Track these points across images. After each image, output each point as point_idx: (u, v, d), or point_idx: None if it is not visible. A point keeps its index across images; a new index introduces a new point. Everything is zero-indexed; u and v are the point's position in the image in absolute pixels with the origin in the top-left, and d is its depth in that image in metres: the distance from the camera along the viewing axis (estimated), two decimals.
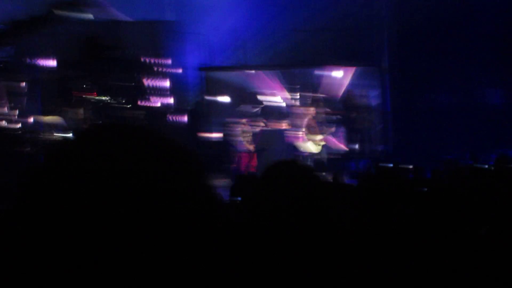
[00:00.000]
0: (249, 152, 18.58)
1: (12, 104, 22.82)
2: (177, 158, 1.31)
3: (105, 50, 14.29)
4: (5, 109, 22.90)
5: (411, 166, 12.87)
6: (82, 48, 14.77)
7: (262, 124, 19.65)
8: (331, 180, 10.96)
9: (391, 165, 13.12)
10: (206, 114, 24.70)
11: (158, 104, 23.91)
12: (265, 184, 2.65)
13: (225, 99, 24.28)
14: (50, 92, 22.34)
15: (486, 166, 12.82)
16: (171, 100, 24.31)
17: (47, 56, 21.82)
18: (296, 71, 23.89)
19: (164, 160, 1.28)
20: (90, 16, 15.57)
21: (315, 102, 21.97)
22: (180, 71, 24.76)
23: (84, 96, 23.34)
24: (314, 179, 2.66)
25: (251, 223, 2.62)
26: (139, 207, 1.21)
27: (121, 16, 26.10)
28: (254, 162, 18.38)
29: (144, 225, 1.22)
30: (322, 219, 2.61)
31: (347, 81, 24.31)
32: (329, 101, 24.09)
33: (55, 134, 19.35)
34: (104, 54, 14.34)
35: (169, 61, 24.37)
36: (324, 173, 17.94)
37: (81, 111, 22.09)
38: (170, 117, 23.75)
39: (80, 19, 15.68)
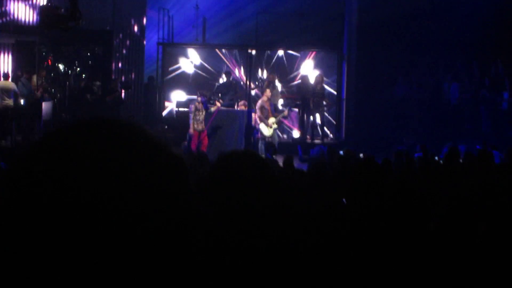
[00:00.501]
0: (201, 131, 18.52)
1: None
2: (155, 154, 1.29)
3: (61, 20, 14.07)
4: None
5: (361, 155, 12.95)
6: (38, 15, 14.60)
7: (218, 104, 19.58)
8: (281, 164, 10.98)
9: (341, 152, 13.19)
10: (161, 89, 24.63)
11: (113, 76, 23.77)
12: (216, 176, 2.64)
13: (181, 75, 24.23)
14: (5, 57, 22.10)
15: (436, 158, 12.97)
16: (127, 73, 24.22)
17: (5, 20, 21.58)
18: (255, 52, 23.84)
19: (141, 155, 1.26)
20: None
21: (270, 84, 21.96)
22: (139, 44, 24.67)
23: (40, 63, 23.15)
24: (267, 172, 2.65)
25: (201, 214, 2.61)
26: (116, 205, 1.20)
27: None
28: (205, 141, 18.34)
29: (127, 223, 1.20)
30: (273, 213, 2.60)
31: (305, 65, 24.38)
32: (285, 84, 24.15)
33: (6, 100, 19.10)
34: (59, 23, 14.13)
35: (129, 34, 24.26)
36: (274, 156, 17.98)
37: (35, 77, 21.85)
38: (124, 90, 23.63)
39: None
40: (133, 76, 24.23)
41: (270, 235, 2.57)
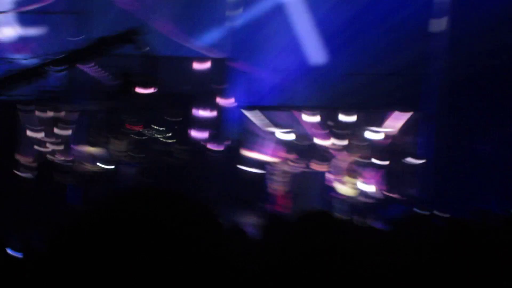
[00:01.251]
0: (285, 192, 18.59)
1: (59, 133, 23.17)
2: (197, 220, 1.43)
3: (139, 86, 14.43)
4: (53, 138, 23.22)
5: (447, 215, 12.80)
6: (117, 81, 14.98)
7: (302, 165, 19.68)
8: (364, 225, 10.97)
9: (426, 212, 13.06)
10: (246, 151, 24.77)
11: (202, 140, 24.08)
12: (295, 233, 2.73)
13: (268, 136, 24.36)
14: (97, 124, 22.64)
15: None
16: (215, 137, 24.49)
17: (96, 87, 22.15)
18: (342, 114, 23.88)
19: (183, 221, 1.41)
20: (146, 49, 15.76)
21: (356, 146, 21.97)
22: (227, 108, 24.95)
23: (129, 129, 23.63)
24: (347, 231, 2.74)
25: (276, 269, 2.69)
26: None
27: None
28: (289, 203, 18.37)
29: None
30: (350, 273, 2.69)
31: (386, 125, 24.27)
32: (370, 146, 24.08)
33: (97, 165, 19.57)
34: (135, 89, 14.51)
35: (217, 98, 24.57)
36: (358, 217, 17.96)
37: (125, 143, 22.32)
38: (212, 154, 23.90)
39: (130, 53, 15.94)
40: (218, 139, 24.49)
41: None
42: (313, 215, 2.81)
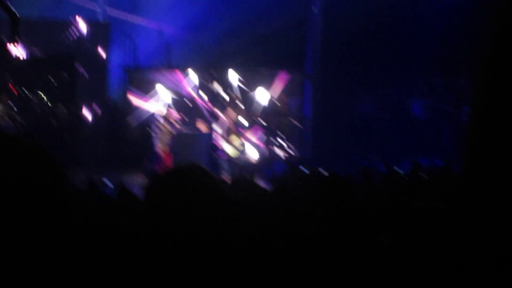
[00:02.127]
0: (166, 152, 18.56)
1: None
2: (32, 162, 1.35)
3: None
4: None
5: (320, 170, 12.99)
6: None
7: (177, 125, 19.63)
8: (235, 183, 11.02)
9: (306, 170, 13.23)
10: (126, 113, 24.59)
11: (85, 102, 23.86)
12: (165, 189, 2.66)
13: (147, 98, 24.22)
14: None
15: (399, 173, 13.07)
16: (98, 98, 24.27)
17: None
18: (220, 73, 23.95)
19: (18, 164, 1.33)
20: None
21: (235, 106, 22.01)
22: (105, 69, 24.73)
23: (2, 90, 23.08)
24: (214, 183, 2.68)
25: (150, 227, 2.63)
26: None
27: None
28: (170, 163, 18.37)
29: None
30: (222, 224, 2.63)
31: (269, 85, 24.42)
32: (255, 106, 24.19)
33: None
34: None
35: (94, 60, 24.31)
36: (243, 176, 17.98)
37: (4, 104, 21.85)
38: (90, 115, 23.69)
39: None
40: (99, 102, 24.21)
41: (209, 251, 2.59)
42: (179, 170, 2.73)
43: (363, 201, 6.89)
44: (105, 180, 12.08)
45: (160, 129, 18.85)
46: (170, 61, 25.40)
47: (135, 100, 24.15)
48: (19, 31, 14.27)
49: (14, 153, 1.36)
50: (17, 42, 14.23)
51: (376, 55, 24.62)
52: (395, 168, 14.15)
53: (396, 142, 22.51)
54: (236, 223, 2.74)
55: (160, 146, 18.78)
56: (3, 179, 1.29)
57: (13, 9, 14.35)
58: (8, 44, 14.30)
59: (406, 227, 6.02)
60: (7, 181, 1.29)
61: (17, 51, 14.93)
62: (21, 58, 22.56)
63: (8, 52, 14.62)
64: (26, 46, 23.08)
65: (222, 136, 19.82)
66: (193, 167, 2.76)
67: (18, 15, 14.37)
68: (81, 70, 23.96)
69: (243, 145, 20.36)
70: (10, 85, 23.63)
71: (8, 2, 14.32)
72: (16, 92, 23.66)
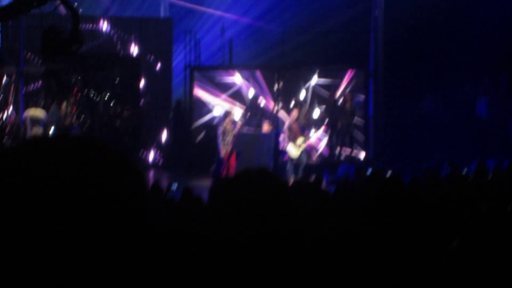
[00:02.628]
0: (229, 154, 18.53)
1: None
2: (114, 170, 1.35)
3: (63, 44, 14.11)
4: None
5: (389, 173, 12.88)
6: (41, 40, 14.58)
7: (239, 124, 19.58)
8: (310, 185, 10.97)
9: (369, 170, 13.15)
10: (189, 113, 24.65)
11: (141, 101, 24.00)
12: (231, 193, 2.66)
13: (209, 98, 24.27)
14: (34, 86, 22.36)
15: (464, 175, 12.89)
16: (155, 97, 24.36)
17: (31, 50, 21.80)
18: (282, 72, 23.89)
19: (98, 172, 1.33)
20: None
21: (298, 105, 21.95)
22: (167, 68, 24.80)
23: (68, 91, 23.40)
24: (281, 188, 2.67)
25: (215, 231, 2.64)
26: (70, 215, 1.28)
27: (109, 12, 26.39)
28: (234, 164, 18.31)
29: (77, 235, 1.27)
30: (289, 229, 2.62)
31: (334, 84, 24.26)
32: (312, 104, 24.09)
33: (36, 128, 19.25)
34: (62, 48, 14.16)
35: (156, 59, 24.40)
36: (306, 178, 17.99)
37: (64, 105, 22.07)
38: (154, 115, 23.84)
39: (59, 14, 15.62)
40: (165, 100, 24.33)
41: (276, 257, 2.59)
42: (248, 174, 2.73)
43: (427, 203, 6.82)
44: (172, 184, 12.17)
45: (224, 130, 18.88)
46: (232, 59, 25.41)
47: (200, 98, 24.21)
48: (80, 29, 14.24)
49: (96, 157, 1.37)
50: (81, 41, 14.20)
51: (440, 52, 24.36)
52: (460, 169, 13.97)
53: (461, 142, 22.20)
54: (301, 227, 2.74)
55: (223, 147, 18.81)
56: (86, 186, 1.30)
57: (74, 4, 14.32)
58: (71, 43, 14.25)
59: (472, 230, 5.96)
60: (88, 187, 1.30)
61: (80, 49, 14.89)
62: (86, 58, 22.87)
63: (72, 52, 14.57)
64: (92, 45, 23.38)
65: (286, 137, 19.80)
66: (261, 170, 2.76)
67: (78, 11, 14.34)
68: (146, 68, 24.12)
69: (306, 145, 20.31)
70: (75, 88, 23.96)
71: None
72: (81, 93, 23.98)
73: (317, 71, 24.18)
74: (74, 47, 14.34)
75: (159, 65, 24.43)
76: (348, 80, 24.23)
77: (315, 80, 24.09)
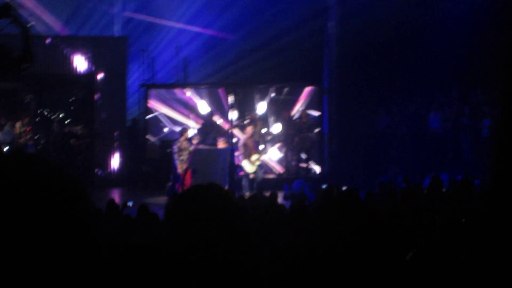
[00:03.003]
0: (184, 170, 18.55)
1: None
2: (53, 185, 1.36)
3: (13, 62, 13.95)
4: None
5: (344, 188, 12.98)
6: None
7: (195, 141, 19.62)
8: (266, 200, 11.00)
9: (325, 186, 13.22)
10: (144, 131, 24.62)
11: (103, 121, 23.88)
12: (181, 208, 2.67)
13: (163, 115, 24.25)
14: None
15: (419, 188, 13.02)
16: (110, 116, 24.23)
17: None
18: (237, 89, 23.98)
19: (37, 186, 1.33)
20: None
21: (253, 121, 22.02)
22: (121, 86, 24.69)
23: (22, 110, 23.19)
24: (231, 202, 2.69)
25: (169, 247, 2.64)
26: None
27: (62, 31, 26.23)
28: (189, 181, 18.33)
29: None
30: (238, 244, 2.63)
31: (289, 100, 24.38)
32: (267, 121, 24.17)
33: None
34: (12, 66, 14.00)
35: (111, 77, 24.29)
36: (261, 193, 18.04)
37: (18, 124, 21.85)
38: (108, 133, 23.72)
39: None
40: (118, 119, 24.20)
41: (231, 270, 2.59)
42: (198, 189, 2.74)
43: (383, 216, 6.83)
44: (128, 201, 12.12)
45: (179, 147, 18.87)
46: (187, 77, 25.45)
47: (155, 114, 24.20)
48: (31, 47, 14.05)
49: (35, 172, 1.37)
50: (31, 59, 14.03)
51: (393, 68, 24.57)
52: (415, 182, 14.11)
53: (416, 156, 22.42)
54: (255, 241, 2.74)
55: (180, 164, 18.80)
56: (23, 198, 1.30)
57: (24, 23, 14.12)
58: (23, 62, 14.06)
59: (427, 241, 6.01)
60: (27, 200, 1.30)
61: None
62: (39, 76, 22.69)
63: (21, 70, 14.38)
64: (46, 64, 23.20)
65: (241, 153, 19.85)
66: (211, 185, 2.77)
67: (30, 29, 14.15)
68: (100, 87, 23.99)
69: (261, 161, 20.37)
70: (29, 106, 23.76)
71: (19, 16, 14.09)
72: (35, 112, 23.78)
73: (273, 88, 24.34)
74: (24, 65, 14.21)
75: (114, 83, 24.32)
76: (305, 97, 24.41)
77: (269, 97, 24.23)
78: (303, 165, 23.13)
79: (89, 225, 1.40)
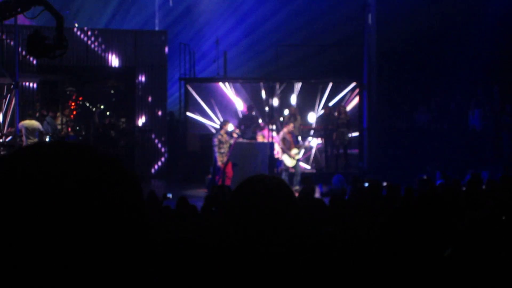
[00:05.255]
0: (225, 163, 18.58)
1: None
2: (110, 177, 1.33)
3: (48, 49, 14.16)
4: None
5: (385, 183, 12.91)
6: (25, 45, 14.68)
7: (235, 135, 19.66)
8: (303, 196, 11.01)
9: (365, 182, 13.18)
10: (184, 124, 24.72)
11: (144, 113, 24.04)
12: (236, 201, 2.69)
13: (203, 109, 24.34)
14: (30, 96, 22.38)
15: (458, 185, 12.95)
16: (150, 109, 24.38)
17: (27, 61, 21.85)
18: (276, 84, 24.02)
19: (95, 178, 1.30)
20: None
21: (292, 116, 22.01)
22: (161, 80, 24.84)
23: (63, 102, 23.44)
24: (286, 195, 2.70)
25: (225, 240, 2.66)
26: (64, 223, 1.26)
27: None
28: (230, 173, 18.36)
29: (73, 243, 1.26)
30: (293, 236, 2.66)
31: (329, 96, 24.35)
32: (307, 116, 24.16)
33: (31, 139, 19.23)
34: (46, 52, 14.24)
35: (152, 71, 24.45)
36: (297, 188, 18.07)
37: (60, 116, 22.10)
38: (148, 127, 23.86)
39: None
40: (159, 113, 24.31)
41: (285, 260, 2.61)
42: (252, 180, 2.77)
43: (423, 212, 6.83)
44: (167, 193, 12.19)
45: (219, 140, 18.93)
46: (227, 71, 25.53)
47: (195, 109, 24.30)
48: (64, 34, 14.27)
49: (92, 164, 1.36)
50: (63, 46, 14.24)
51: (433, 64, 24.45)
52: (454, 179, 14.02)
53: (455, 153, 22.27)
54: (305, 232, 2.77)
55: (219, 157, 18.86)
56: (80, 192, 1.30)
57: (56, 10, 14.34)
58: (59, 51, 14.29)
59: (466, 239, 6.01)
60: (84, 194, 1.30)
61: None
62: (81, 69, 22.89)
63: (59, 57, 14.62)
64: (85, 55, 23.45)
65: (280, 147, 19.88)
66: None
67: (62, 17, 14.38)
68: (141, 80, 24.16)
69: (300, 155, 20.39)
70: (72, 101, 23.99)
71: (50, 3, 14.30)
72: (76, 104, 24.01)
73: (314, 82, 24.37)
74: (58, 52, 14.46)
75: (154, 76, 24.49)
76: (341, 92, 24.39)
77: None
78: (342, 160, 23.08)
79: (147, 218, 1.40)
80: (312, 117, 24.17)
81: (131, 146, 23.37)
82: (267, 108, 23.46)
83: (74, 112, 23.55)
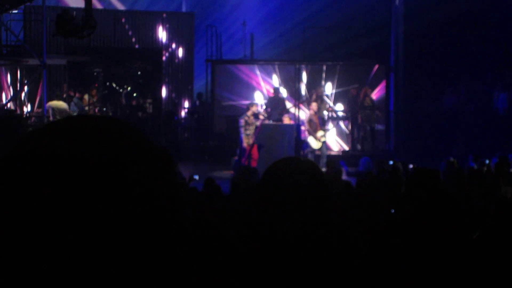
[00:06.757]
0: (251, 145, 18.58)
1: (19, 88, 23.01)
2: (143, 151, 1.30)
3: (76, 28, 14.26)
4: (11, 93, 23.06)
5: (411, 166, 12.88)
6: (55, 24, 14.77)
7: (261, 117, 19.64)
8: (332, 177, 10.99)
9: (391, 163, 13.14)
10: (211, 105, 24.75)
11: (164, 94, 24.08)
12: (267, 182, 2.69)
13: (230, 90, 24.34)
14: (57, 77, 22.50)
15: (486, 169, 12.87)
16: (176, 90, 24.45)
17: (55, 43, 21.94)
18: (303, 66, 23.98)
19: (128, 152, 1.27)
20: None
21: (318, 98, 21.96)
22: (188, 61, 24.89)
23: (90, 83, 23.57)
24: (318, 177, 2.70)
25: (255, 220, 2.67)
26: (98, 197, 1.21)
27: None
28: (256, 155, 18.35)
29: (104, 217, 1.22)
30: (324, 217, 2.66)
31: (355, 78, 24.25)
32: (334, 98, 24.12)
33: (59, 119, 19.28)
34: (75, 32, 14.33)
35: (179, 52, 24.51)
36: (324, 170, 18.04)
37: (87, 96, 22.21)
38: (175, 108, 23.92)
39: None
40: (186, 94, 24.37)
41: (315, 237, 2.61)
42: (283, 160, 2.77)
43: (452, 194, 6.83)
44: (194, 175, 12.23)
45: (246, 121, 18.92)
46: (253, 52, 25.48)
47: (220, 93, 24.31)
48: (92, 14, 14.37)
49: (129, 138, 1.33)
50: (91, 25, 14.35)
51: (460, 47, 24.26)
52: (482, 161, 13.94)
53: (482, 136, 22.13)
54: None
55: (245, 138, 18.86)
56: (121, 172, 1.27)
57: None
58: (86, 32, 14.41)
59: (495, 221, 5.99)
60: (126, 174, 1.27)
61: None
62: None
63: (87, 36, 14.75)
64: (113, 37, 23.53)
65: (306, 129, 19.85)
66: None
67: None
68: (168, 61, 24.21)
69: (326, 137, 20.36)
70: (98, 79, 24.10)
71: None
72: (103, 85, 24.12)
73: (340, 65, 24.31)
74: (86, 31, 14.55)
75: (181, 58, 24.54)
76: (367, 74, 24.30)
77: (337, 74, 24.18)
78: (368, 142, 23.04)
79: (182, 194, 1.38)
80: (342, 104, 24.07)
81: (157, 125, 23.44)
82: (293, 90, 23.42)
83: (96, 93, 23.59)
